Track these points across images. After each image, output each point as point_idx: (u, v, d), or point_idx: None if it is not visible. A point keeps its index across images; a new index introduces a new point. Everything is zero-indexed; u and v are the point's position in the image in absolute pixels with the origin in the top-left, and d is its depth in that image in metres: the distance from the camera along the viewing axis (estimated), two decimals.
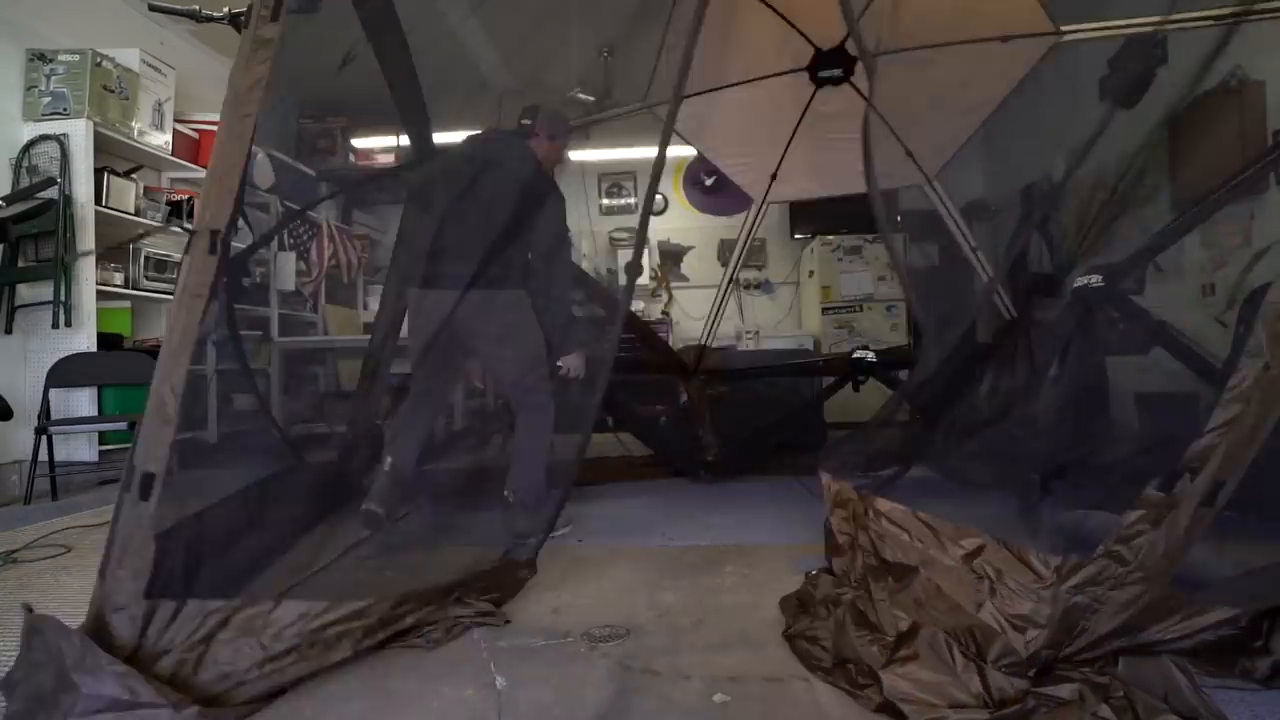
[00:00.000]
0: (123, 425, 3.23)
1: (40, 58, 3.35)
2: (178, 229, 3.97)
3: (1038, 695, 1.07)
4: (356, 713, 1.20)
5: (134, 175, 3.75)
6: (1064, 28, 2.39)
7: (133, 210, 3.65)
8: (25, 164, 3.30)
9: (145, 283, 3.76)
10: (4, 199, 3.14)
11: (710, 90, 2.67)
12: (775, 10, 2.32)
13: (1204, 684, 1.13)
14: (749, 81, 2.65)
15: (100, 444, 3.43)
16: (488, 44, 3.84)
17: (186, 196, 4.09)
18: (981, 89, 2.63)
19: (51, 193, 3.24)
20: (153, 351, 3.64)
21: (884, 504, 1.53)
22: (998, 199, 4.78)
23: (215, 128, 4.26)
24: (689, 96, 2.45)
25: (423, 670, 1.34)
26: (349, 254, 5.24)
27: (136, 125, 3.66)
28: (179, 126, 4.05)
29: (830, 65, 2.53)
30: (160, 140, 3.86)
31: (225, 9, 2.99)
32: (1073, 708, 1.05)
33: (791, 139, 2.94)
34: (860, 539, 1.55)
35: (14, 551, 2.19)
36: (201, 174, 4.23)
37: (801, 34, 2.45)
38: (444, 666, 1.35)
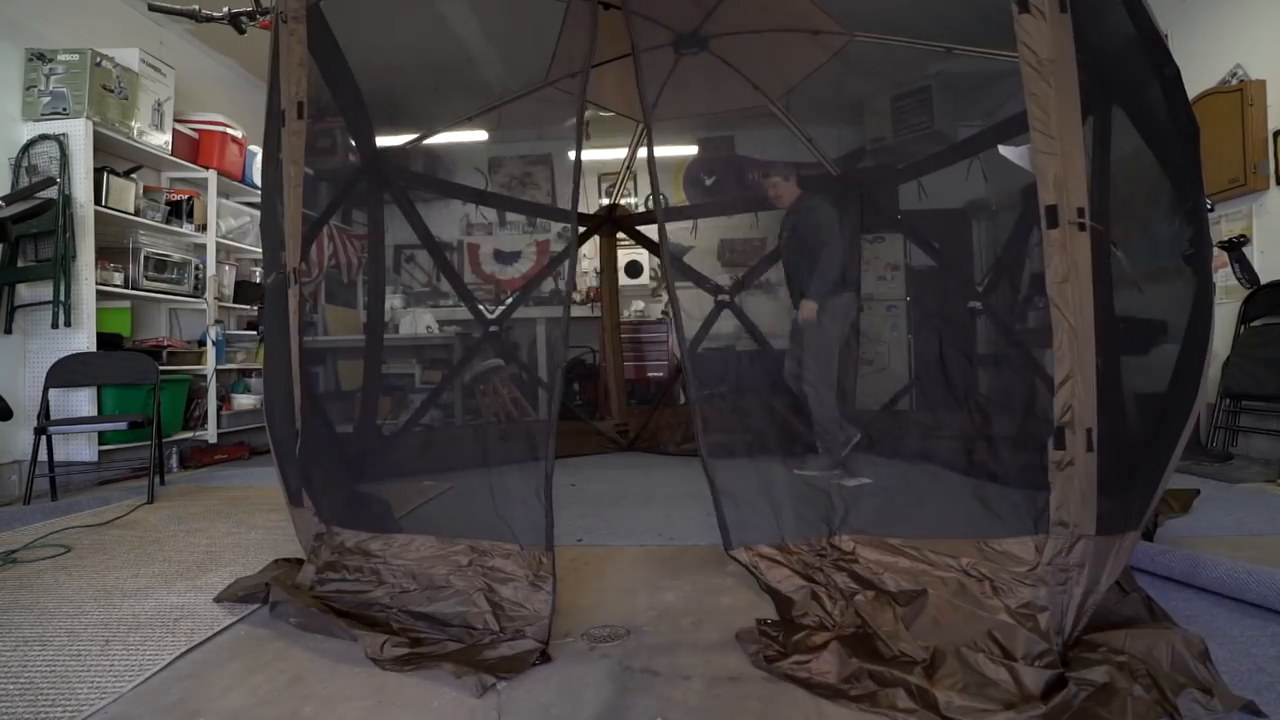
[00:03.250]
0: (122, 425, 3.22)
1: (40, 57, 3.35)
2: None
3: (1078, 681, 1.11)
4: (356, 713, 1.19)
5: (134, 175, 3.74)
6: (856, 32, 3.47)
7: (132, 210, 3.65)
8: (25, 164, 3.30)
9: (145, 283, 3.75)
10: (4, 199, 3.13)
11: (603, 63, 3.55)
12: (644, 16, 3.31)
13: None
14: (626, 56, 3.50)
15: (100, 444, 3.42)
16: (487, 44, 3.84)
17: (186, 196, 4.09)
18: (805, 57, 3.76)
19: (51, 192, 3.24)
20: (152, 351, 3.67)
21: (853, 544, 1.56)
22: (998, 198, 4.78)
23: (215, 128, 4.30)
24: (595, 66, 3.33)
25: (422, 670, 1.33)
26: (349, 254, 5.23)
27: (136, 125, 3.66)
28: (178, 126, 4.05)
29: (689, 45, 3.67)
30: (160, 140, 3.86)
31: (225, 9, 3.00)
32: (1109, 691, 1.09)
33: (664, 86, 4.00)
34: (829, 581, 1.53)
35: (14, 552, 2.18)
36: (201, 173, 4.24)
37: (664, 26, 3.57)
38: (437, 669, 1.35)
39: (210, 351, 4.18)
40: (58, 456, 3.18)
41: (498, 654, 1.36)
